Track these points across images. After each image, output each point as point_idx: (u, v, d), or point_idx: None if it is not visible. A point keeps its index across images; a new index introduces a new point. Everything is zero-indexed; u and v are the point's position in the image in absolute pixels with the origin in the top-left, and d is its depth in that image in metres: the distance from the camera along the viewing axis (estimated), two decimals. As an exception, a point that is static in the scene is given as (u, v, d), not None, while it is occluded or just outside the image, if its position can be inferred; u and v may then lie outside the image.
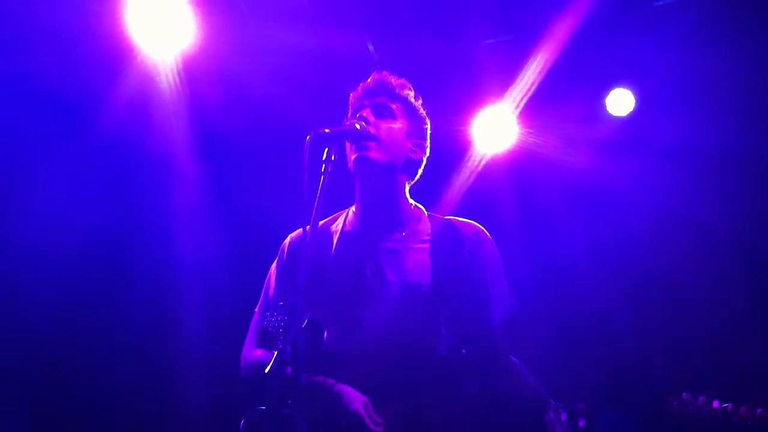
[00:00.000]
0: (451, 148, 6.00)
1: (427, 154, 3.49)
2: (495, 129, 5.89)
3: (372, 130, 3.33)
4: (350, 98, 3.50)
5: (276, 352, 2.99)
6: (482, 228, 3.46)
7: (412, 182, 3.50)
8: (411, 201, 3.48)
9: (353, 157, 3.32)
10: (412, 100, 3.48)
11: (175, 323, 5.69)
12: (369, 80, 3.47)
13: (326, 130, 3.18)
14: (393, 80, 3.46)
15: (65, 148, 5.47)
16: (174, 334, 5.68)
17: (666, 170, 5.91)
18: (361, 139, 3.33)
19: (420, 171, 3.48)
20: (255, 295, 3.53)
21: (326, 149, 3.23)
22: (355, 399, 3.14)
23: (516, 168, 6.01)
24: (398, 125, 3.39)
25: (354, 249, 3.39)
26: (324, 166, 3.19)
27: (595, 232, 6.08)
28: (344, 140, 3.33)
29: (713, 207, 5.90)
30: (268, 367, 2.96)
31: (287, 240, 3.55)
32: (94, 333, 5.59)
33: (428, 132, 3.52)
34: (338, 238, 3.45)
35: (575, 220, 6.09)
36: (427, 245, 3.38)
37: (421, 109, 3.52)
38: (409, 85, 3.50)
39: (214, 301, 5.73)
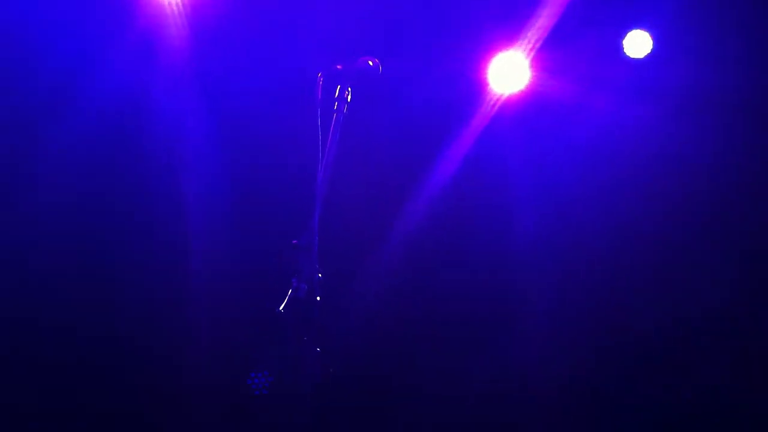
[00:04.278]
0: (467, 91, 5.91)
1: None
2: (510, 71, 5.82)
3: None
4: None
5: (290, 291, 3.01)
6: None
7: None
8: None
9: None
10: None
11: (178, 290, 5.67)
12: None
13: (339, 67, 3.15)
14: None
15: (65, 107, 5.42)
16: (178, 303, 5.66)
17: (682, 114, 5.83)
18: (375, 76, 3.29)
19: None
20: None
21: (339, 87, 3.20)
22: None
23: (531, 110, 5.95)
24: None
25: None
26: (337, 104, 3.17)
27: (608, 176, 6.02)
28: (358, 77, 3.29)
29: (731, 153, 5.83)
30: (282, 305, 2.98)
31: None
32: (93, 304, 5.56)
33: None
34: None
35: (588, 164, 6.03)
36: None
37: None
38: None
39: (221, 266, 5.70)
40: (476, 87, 5.90)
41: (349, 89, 3.23)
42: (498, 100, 5.93)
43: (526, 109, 5.97)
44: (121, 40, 5.42)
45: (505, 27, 5.73)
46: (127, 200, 5.62)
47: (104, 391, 5.38)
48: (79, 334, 5.42)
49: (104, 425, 5.37)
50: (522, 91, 5.89)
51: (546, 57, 5.77)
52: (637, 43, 5.80)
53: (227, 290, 5.62)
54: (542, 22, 5.57)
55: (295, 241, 3.05)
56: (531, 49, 5.70)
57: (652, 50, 5.79)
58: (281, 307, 2.96)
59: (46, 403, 5.33)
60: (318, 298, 2.99)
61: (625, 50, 5.80)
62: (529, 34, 5.64)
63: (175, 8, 5.30)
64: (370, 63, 3.30)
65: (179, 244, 5.60)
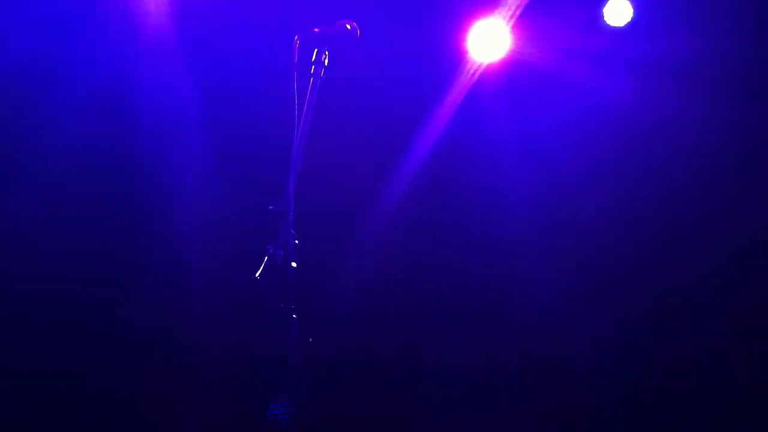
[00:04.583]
0: (447, 59, 5.87)
1: None
2: (490, 39, 5.78)
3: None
4: None
5: (266, 257, 2.98)
6: None
7: None
8: None
9: None
10: None
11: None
12: None
13: (316, 30, 3.10)
14: None
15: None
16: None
17: (663, 84, 5.81)
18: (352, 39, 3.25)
19: None
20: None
21: (316, 50, 3.15)
22: None
23: (511, 79, 5.92)
24: None
25: None
26: (314, 68, 3.12)
27: (589, 146, 6.01)
28: (335, 40, 3.24)
29: (714, 123, 5.81)
30: (259, 271, 2.95)
31: None
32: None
33: None
34: None
35: (570, 134, 6.02)
36: None
37: None
38: None
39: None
40: (456, 55, 5.85)
41: (327, 53, 3.18)
42: (478, 68, 5.89)
43: (506, 77, 5.94)
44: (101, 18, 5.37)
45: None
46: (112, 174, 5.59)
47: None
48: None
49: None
50: (502, 60, 5.86)
51: (526, 24, 5.74)
52: (618, 12, 5.78)
53: (207, 257, 5.60)
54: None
55: (270, 207, 3.02)
56: (511, 17, 5.66)
57: (633, 18, 5.77)
58: (257, 274, 2.94)
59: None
60: (294, 264, 2.97)
61: (605, 18, 5.78)
62: (510, 1, 5.60)
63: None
64: (348, 26, 3.26)
65: (163, 213, 5.56)
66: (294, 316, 2.92)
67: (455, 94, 5.91)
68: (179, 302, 5.51)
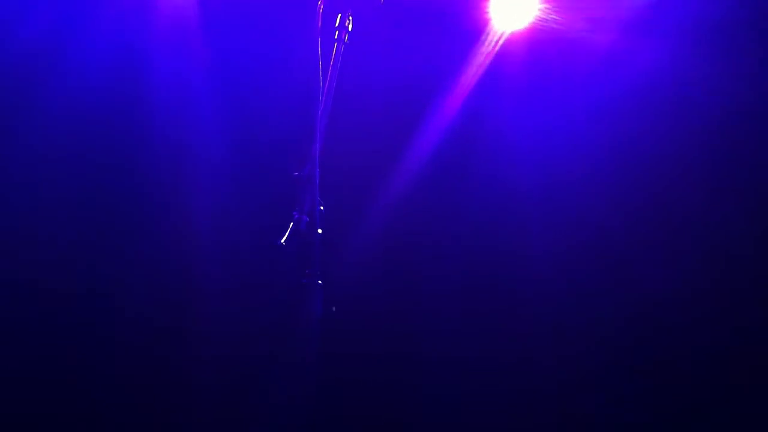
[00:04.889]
0: (469, 27, 5.80)
1: None
2: (514, 5, 5.68)
3: None
4: None
5: (291, 224, 2.97)
6: None
7: None
8: None
9: None
10: None
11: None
12: None
13: (341, -6, 3.07)
14: None
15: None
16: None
17: (697, 53, 5.67)
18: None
19: None
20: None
21: (339, 15, 3.13)
22: None
23: (535, 48, 5.82)
24: None
25: None
26: (338, 33, 3.09)
27: (618, 120, 5.89)
28: (359, 6, 3.21)
29: (747, 93, 5.67)
30: (284, 238, 2.94)
31: None
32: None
33: None
34: None
35: (593, 104, 5.91)
36: None
37: None
38: None
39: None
40: (478, 23, 5.77)
41: (350, 18, 3.15)
42: (501, 37, 5.81)
43: (530, 47, 5.84)
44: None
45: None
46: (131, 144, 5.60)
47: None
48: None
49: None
50: (527, 29, 5.77)
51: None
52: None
53: (230, 224, 5.60)
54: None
55: (296, 173, 3.00)
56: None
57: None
58: (282, 240, 2.92)
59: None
60: (319, 231, 2.95)
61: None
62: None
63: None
64: (372, -9, 3.23)
65: (184, 180, 5.57)
66: (319, 282, 2.91)
67: (477, 65, 5.84)
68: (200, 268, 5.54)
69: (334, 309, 3.08)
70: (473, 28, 5.79)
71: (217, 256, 5.54)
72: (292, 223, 2.97)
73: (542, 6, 5.68)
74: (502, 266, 5.96)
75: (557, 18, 5.74)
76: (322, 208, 3.00)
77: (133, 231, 5.55)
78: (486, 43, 5.82)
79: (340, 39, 3.09)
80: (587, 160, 5.94)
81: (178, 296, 5.46)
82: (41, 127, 5.47)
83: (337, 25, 3.14)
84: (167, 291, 5.45)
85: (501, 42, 5.82)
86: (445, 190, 6.01)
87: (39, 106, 5.45)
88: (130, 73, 5.55)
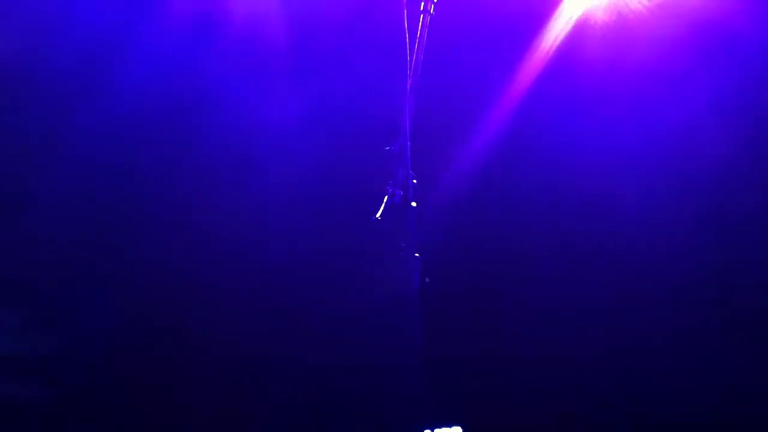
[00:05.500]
0: (539, 6, 5.70)
1: None
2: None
3: None
4: None
5: (386, 197, 2.99)
6: None
7: None
8: None
9: None
10: None
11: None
12: None
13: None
14: None
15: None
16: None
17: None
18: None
19: None
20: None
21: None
22: None
23: (610, 31, 5.70)
24: None
25: None
26: (423, 4, 3.10)
27: (701, 117, 5.68)
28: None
29: None
30: (379, 212, 2.96)
31: None
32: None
33: None
34: None
35: (675, 95, 5.72)
36: None
37: None
38: None
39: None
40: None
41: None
42: (573, 17, 5.73)
43: (604, 28, 5.73)
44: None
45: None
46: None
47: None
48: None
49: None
50: (601, 8, 5.66)
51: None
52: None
53: (319, 200, 5.63)
54: None
55: (388, 147, 3.02)
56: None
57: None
58: (377, 215, 2.95)
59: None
60: (414, 204, 2.97)
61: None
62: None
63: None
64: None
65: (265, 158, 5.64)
66: (416, 254, 2.93)
67: (549, 45, 5.76)
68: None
69: (427, 280, 3.09)
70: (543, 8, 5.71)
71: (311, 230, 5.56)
72: (386, 197, 2.99)
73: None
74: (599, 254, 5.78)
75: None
76: (415, 181, 3.01)
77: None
78: (557, 22, 5.73)
79: (425, 11, 3.10)
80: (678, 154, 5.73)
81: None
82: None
83: (422, 9, 3.15)
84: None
85: (573, 22, 5.73)
86: (541, 170, 5.87)
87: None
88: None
